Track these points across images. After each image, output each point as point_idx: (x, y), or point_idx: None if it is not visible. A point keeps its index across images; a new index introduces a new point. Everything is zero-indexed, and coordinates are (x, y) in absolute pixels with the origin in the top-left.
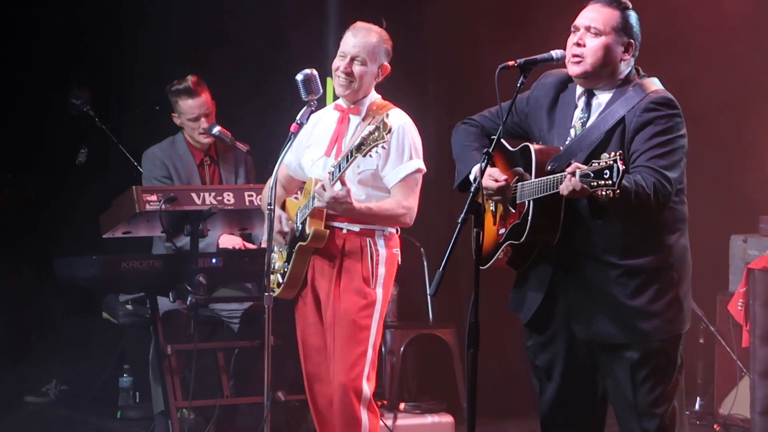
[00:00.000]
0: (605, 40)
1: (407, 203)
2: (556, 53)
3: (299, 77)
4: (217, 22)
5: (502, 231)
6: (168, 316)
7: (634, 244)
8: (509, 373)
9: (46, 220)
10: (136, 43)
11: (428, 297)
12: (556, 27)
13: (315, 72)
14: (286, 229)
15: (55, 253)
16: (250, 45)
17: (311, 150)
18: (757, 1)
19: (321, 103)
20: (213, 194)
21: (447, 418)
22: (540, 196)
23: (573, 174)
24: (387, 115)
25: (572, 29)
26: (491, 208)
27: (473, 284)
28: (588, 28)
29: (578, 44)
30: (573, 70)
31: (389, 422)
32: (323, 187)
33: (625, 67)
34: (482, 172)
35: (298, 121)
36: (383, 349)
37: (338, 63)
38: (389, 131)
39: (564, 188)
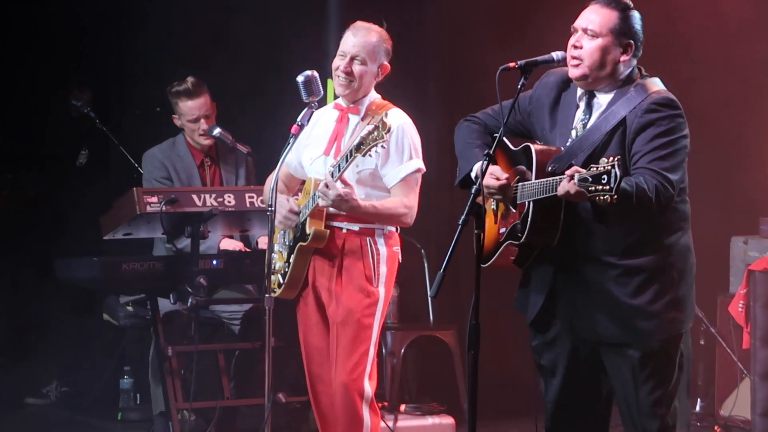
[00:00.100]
0: (601, 42)
1: (408, 202)
2: (556, 54)
3: (300, 79)
4: (218, 23)
5: (503, 230)
6: (168, 317)
7: (634, 244)
8: (510, 375)
9: (47, 221)
10: (136, 45)
11: (429, 298)
12: (556, 27)
13: (316, 73)
14: (296, 208)
15: (55, 254)
16: (251, 46)
17: (310, 149)
18: (756, 2)
19: (322, 105)
20: (214, 196)
21: (448, 420)
22: (540, 197)
23: (572, 178)
24: (386, 115)
25: (571, 30)
26: (492, 206)
27: (474, 286)
28: (585, 30)
29: (575, 46)
30: (572, 72)
31: (390, 424)
32: (327, 186)
33: (625, 68)
34: (483, 173)
35: (299, 123)
36: (384, 350)
37: (338, 62)
38: (388, 131)
39: (561, 190)
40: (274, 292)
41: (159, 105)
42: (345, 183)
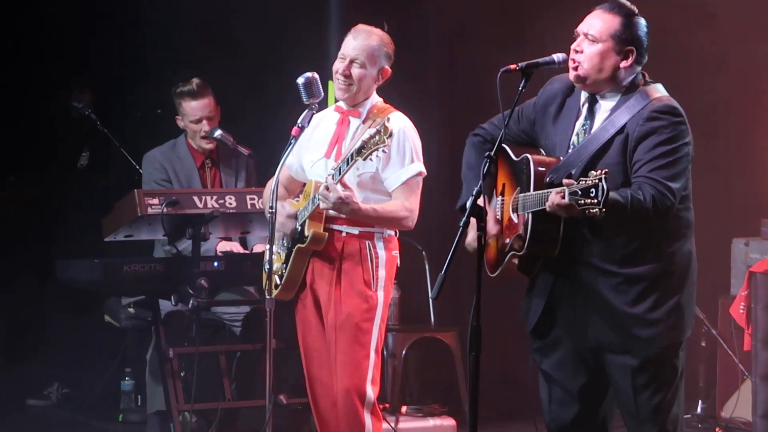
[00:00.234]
0: (601, 47)
1: (410, 205)
2: (557, 57)
3: (300, 80)
4: (219, 25)
5: (507, 240)
6: (169, 317)
7: (634, 252)
8: (511, 377)
9: (48, 222)
10: (137, 46)
11: (430, 300)
12: (557, 30)
13: (316, 75)
14: (293, 211)
15: (56, 255)
16: (252, 48)
17: (311, 151)
18: (751, 5)
19: (322, 107)
20: (215, 197)
21: (449, 421)
22: (538, 209)
23: (562, 195)
24: (388, 119)
25: (574, 34)
26: (498, 216)
27: (475, 288)
28: (586, 35)
29: (576, 50)
30: (570, 75)
31: (391, 425)
32: (327, 188)
33: (627, 74)
34: (483, 176)
35: (300, 125)
36: (385, 352)
37: (337, 65)
38: (390, 135)
39: (549, 204)
40: (269, 292)
41: (160, 107)
42: (345, 186)
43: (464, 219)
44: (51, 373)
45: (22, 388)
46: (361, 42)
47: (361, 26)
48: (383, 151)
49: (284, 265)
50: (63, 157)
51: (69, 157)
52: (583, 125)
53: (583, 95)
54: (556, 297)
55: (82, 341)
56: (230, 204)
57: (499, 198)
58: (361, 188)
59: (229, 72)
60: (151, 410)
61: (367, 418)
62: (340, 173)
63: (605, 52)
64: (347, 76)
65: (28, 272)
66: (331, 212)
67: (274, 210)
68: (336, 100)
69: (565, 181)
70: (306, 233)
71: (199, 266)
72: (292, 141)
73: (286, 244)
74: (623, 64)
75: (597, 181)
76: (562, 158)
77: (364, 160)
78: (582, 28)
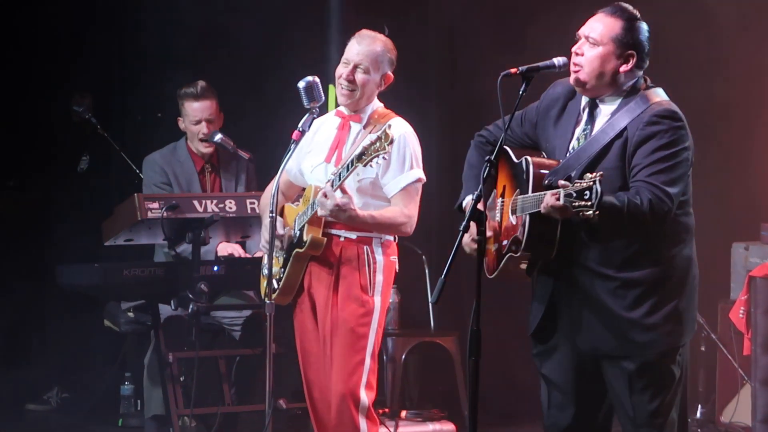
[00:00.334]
0: (601, 50)
1: (408, 212)
2: (558, 60)
3: (301, 84)
4: (219, 29)
5: (505, 242)
6: (168, 322)
7: (632, 256)
8: (511, 381)
9: (48, 226)
10: (137, 50)
11: (430, 305)
12: (558, 33)
13: (317, 79)
14: (281, 231)
15: (56, 260)
16: (252, 52)
17: (311, 156)
18: (741, 4)
19: (323, 111)
20: (215, 202)
21: (448, 426)
22: (535, 211)
23: (557, 197)
24: (389, 126)
25: (576, 37)
26: (497, 218)
27: (475, 292)
28: (587, 38)
29: (576, 53)
30: (571, 78)
31: (391, 430)
32: (325, 195)
33: (628, 78)
34: (483, 180)
35: (300, 129)
36: (384, 357)
37: (341, 70)
38: (391, 142)
39: (544, 206)
40: (268, 296)
41: (160, 111)
42: (344, 192)
43: (464, 223)
44: (50, 377)
45: (21, 392)
46: (366, 47)
47: (365, 31)
48: (384, 157)
49: (282, 270)
50: (63, 161)
51: (69, 161)
52: (584, 129)
53: (584, 99)
54: (556, 301)
55: (81, 346)
56: (230, 208)
57: (500, 200)
58: (361, 194)
59: (229, 76)
60: (149, 414)
61: (362, 423)
62: (339, 179)
63: (606, 55)
64: (351, 81)
65: (28, 276)
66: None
67: (274, 215)
68: (336, 105)
69: (560, 182)
70: (305, 238)
71: (199, 270)
72: (293, 145)
73: (284, 249)
74: (624, 68)
75: (591, 183)
76: (561, 161)
77: (365, 166)
78: (583, 30)
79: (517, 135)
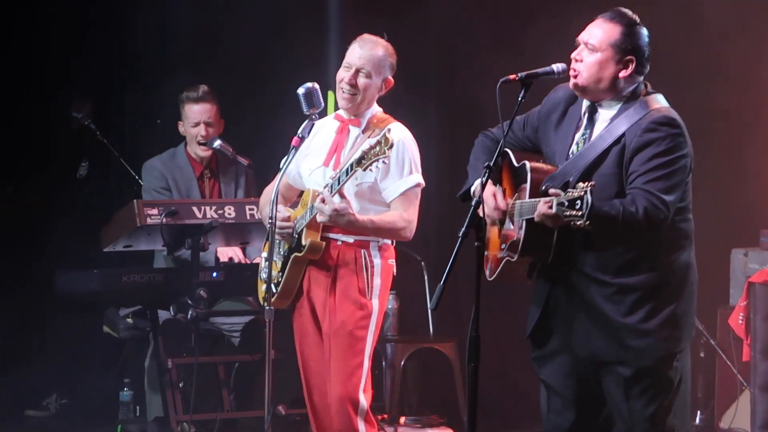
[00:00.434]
0: (600, 56)
1: (408, 216)
2: (557, 67)
3: (300, 91)
4: (218, 34)
5: (503, 246)
6: (166, 326)
7: (629, 262)
8: (510, 387)
9: (47, 232)
10: (137, 57)
11: (429, 311)
12: (556, 37)
13: (317, 86)
14: (286, 214)
15: (56, 266)
16: (251, 55)
17: (310, 159)
18: (737, 9)
19: (322, 117)
20: (214, 208)
21: None
22: (531, 217)
23: (550, 205)
24: (389, 130)
25: (575, 43)
26: (497, 222)
27: (474, 298)
28: (586, 44)
29: (576, 59)
30: (571, 83)
31: None
32: (323, 200)
33: (627, 84)
34: (483, 186)
35: (300, 135)
36: (384, 362)
37: (343, 74)
38: (390, 147)
39: (537, 214)
40: (266, 301)
41: (159, 117)
42: (342, 196)
43: (463, 230)
44: (50, 383)
45: (20, 398)
46: (368, 51)
47: (366, 36)
48: (383, 162)
49: (280, 273)
50: (62, 166)
51: (68, 166)
52: (583, 134)
53: (585, 104)
54: (552, 306)
55: (80, 352)
56: (229, 214)
57: None
58: (359, 198)
59: (228, 81)
60: (150, 417)
61: (361, 426)
62: (339, 183)
63: (604, 61)
64: (353, 85)
65: (27, 282)
66: None
67: (273, 220)
68: (336, 109)
69: (551, 191)
70: (303, 242)
71: (199, 276)
72: (293, 151)
73: (283, 252)
74: (623, 73)
75: (582, 193)
76: (559, 166)
77: (364, 170)
78: (582, 36)
79: (519, 138)
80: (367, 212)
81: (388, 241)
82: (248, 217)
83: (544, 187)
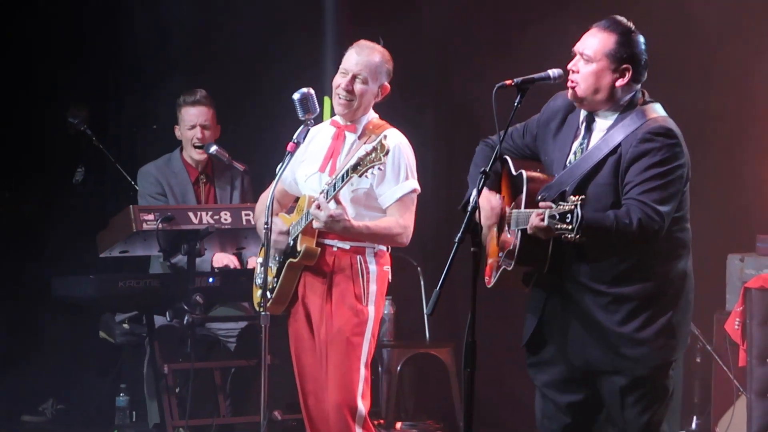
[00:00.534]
0: (596, 67)
1: (404, 222)
2: (553, 72)
3: (296, 96)
4: (215, 39)
5: (501, 254)
6: (162, 331)
7: (624, 272)
8: (506, 393)
9: (43, 238)
10: (133, 63)
11: (425, 316)
12: (554, 42)
13: (312, 91)
14: (285, 228)
15: (52, 271)
16: (247, 63)
17: (305, 165)
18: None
19: (317, 123)
20: (210, 213)
21: None
22: (525, 226)
23: (542, 218)
24: (385, 136)
25: (571, 54)
26: (495, 229)
27: (470, 304)
28: (582, 54)
29: (572, 70)
30: (568, 94)
31: None
32: (319, 206)
33: (624, 93)
34: (479, 191)
35: (295, 140)
36: (380, 368)
37: (339, 80)
38: (386, 152)
39: (528, 227)
40: (261, 306)
41: (155, 123)
42: (338, 202)
43: (459, 235)
44: (46, 388)
45: (17, 403)
46: (365, 57)
47: (363, 42)
48: (379, 168)
49: (275, 279)
50: (58, 172)
51: (64, 172)
52: (581, 144)
53: (582, 113)
54: (548, 314)
55: (77, 357)
56: (225, 220)
57: None
58: (355, 204)
59: (224, 86)
60: (151, 424)
61: None
62: (334, 189)
63: (600, 71)
64: (350, 91)
65: (23, 288)
66: None
67: (269, 226)
68: (332, 115)
69: (541, 204)
70: (298, 248)
71: (195, 282)
72: (288, 157)
73: (278, 258)
74: (619, 82)
75: (572, 207)
76: (555, 176)
77: (360, 176)
78: (578, 47)
79: (518, 146)
80: (362, 218)
81: (384, 248)
82: (244, 223)
83: (539, 197)
